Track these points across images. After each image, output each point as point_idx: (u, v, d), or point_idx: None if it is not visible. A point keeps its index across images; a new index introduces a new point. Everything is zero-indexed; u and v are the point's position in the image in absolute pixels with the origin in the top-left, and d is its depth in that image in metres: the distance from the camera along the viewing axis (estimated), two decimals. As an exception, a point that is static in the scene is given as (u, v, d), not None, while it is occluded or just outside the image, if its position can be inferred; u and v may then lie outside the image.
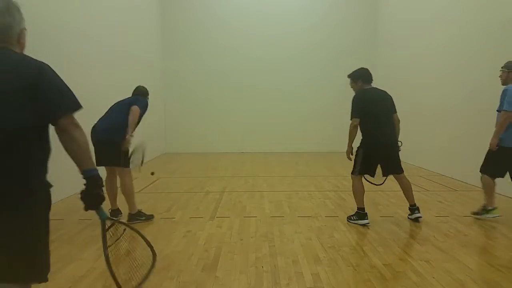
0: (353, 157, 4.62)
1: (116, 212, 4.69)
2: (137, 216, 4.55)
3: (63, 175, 5.25)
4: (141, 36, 10.06)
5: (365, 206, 4.48)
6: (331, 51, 12.19)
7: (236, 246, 3.78)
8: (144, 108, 4.59)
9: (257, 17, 12.10)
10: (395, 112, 4.67)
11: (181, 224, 4.52)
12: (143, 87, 5.00)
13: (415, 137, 9.14)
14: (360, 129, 4.51)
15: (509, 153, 4.28)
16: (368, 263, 3.34)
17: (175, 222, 4.64)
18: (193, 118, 12.22)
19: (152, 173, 5.63)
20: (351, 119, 4.54)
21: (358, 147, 4.55)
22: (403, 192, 4.59)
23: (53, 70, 1.77)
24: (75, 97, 1.80)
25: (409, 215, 4.60)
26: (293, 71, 12.20)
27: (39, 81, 1.67)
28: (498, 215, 4.50)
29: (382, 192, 6.19)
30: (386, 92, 4.69)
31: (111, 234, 2.19)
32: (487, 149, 4.48)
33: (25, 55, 1.80)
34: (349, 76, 4.73)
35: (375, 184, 4.62)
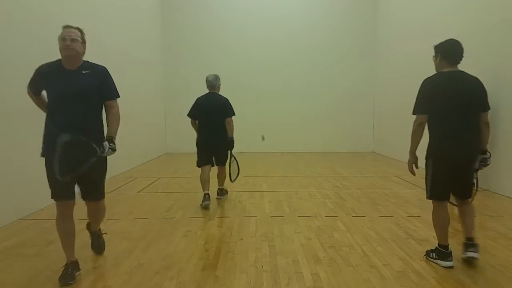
0: (417, 171, 3.50)
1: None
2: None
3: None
4: (141, 36, 10.06)
5: (447, 242, 3.26)
6: (331, 52, 12.18)
7: (236, 246, 3.78)
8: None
9: (257, 18, 12.09)
10: (484, 110, 3.29)
11: (181, 224, 4.52)
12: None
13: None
14: (428, 130, 3.31)
15: None
16: (368, 263, 3.34)
17: (176, 222, 4.64)
18: (193, 118, 12.21)
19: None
20: (413, 114, 3.32)
21: (426, 157, 3.34)
22: (461, 218, 3.34)
23: (227, 100, 5.47)
24: (232, 108, 5.46)
25: (463, 251, 3.26)
26: (293, 72, 12.19)
27: (225, 106, 5.42)
28: None
29: (382, 192, 6.20)
30: (475, 80, 3.28)
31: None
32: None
33: (220, 96, 5.51)
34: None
35: (453, 204, 3.47)
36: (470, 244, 3.22)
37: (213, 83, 5.45)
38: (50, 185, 2.98)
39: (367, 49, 12.18)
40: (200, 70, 12.16)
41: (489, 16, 6.35)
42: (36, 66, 3.11)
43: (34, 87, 3.11)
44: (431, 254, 3.37)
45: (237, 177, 5.71)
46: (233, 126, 5.47)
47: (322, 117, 12.21)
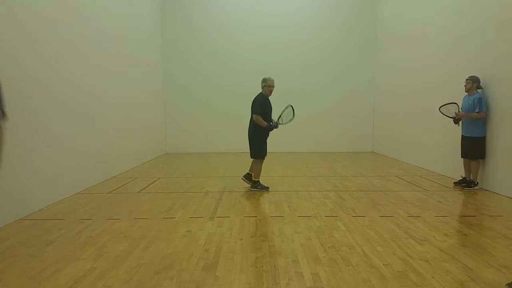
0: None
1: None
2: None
3: (64, 175, 5.26)
4: (141, 37, 10.06)
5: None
6: (331, 53, 12.19)
7: (236, 246, 3.78)
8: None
9: (257, 18, 12.09)
10: None
11: (181, 224, 4.52)
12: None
13: (416, 137, 9.14)
14: None
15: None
16: (368, 263, 3.34)
17: (176, 222, 4.64)
18: (193, 118, 12.23)
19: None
20: None
21: None
22: None
23: (256, 97, 6.35)
24: (258, 106, 6.24)
25: None
26: (293, 72, 12.18)
27: (253, 104, 6.37)
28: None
29: (382, 192, 6.20)
30: None
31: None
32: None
33: (257, 95, 6.43)
34: None
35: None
36: None
37: (261, 84, 6.46)
38: None
39: (367, 49, 12.18)
40: (200, 70, 12.24)
41: (488, 18, 6.35)
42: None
43: None
44: None
45: (289, 120, 6.57)
46: (260, 121, 6.24)
47: (322, 117, 12.21)
